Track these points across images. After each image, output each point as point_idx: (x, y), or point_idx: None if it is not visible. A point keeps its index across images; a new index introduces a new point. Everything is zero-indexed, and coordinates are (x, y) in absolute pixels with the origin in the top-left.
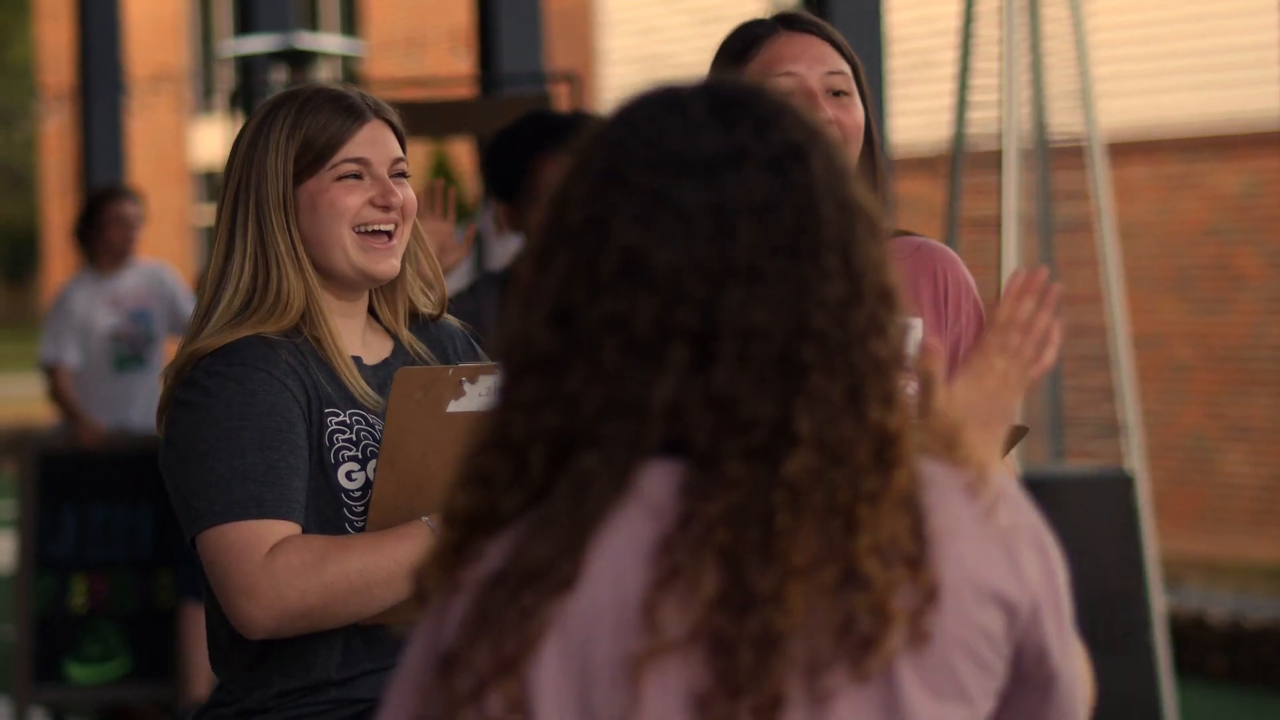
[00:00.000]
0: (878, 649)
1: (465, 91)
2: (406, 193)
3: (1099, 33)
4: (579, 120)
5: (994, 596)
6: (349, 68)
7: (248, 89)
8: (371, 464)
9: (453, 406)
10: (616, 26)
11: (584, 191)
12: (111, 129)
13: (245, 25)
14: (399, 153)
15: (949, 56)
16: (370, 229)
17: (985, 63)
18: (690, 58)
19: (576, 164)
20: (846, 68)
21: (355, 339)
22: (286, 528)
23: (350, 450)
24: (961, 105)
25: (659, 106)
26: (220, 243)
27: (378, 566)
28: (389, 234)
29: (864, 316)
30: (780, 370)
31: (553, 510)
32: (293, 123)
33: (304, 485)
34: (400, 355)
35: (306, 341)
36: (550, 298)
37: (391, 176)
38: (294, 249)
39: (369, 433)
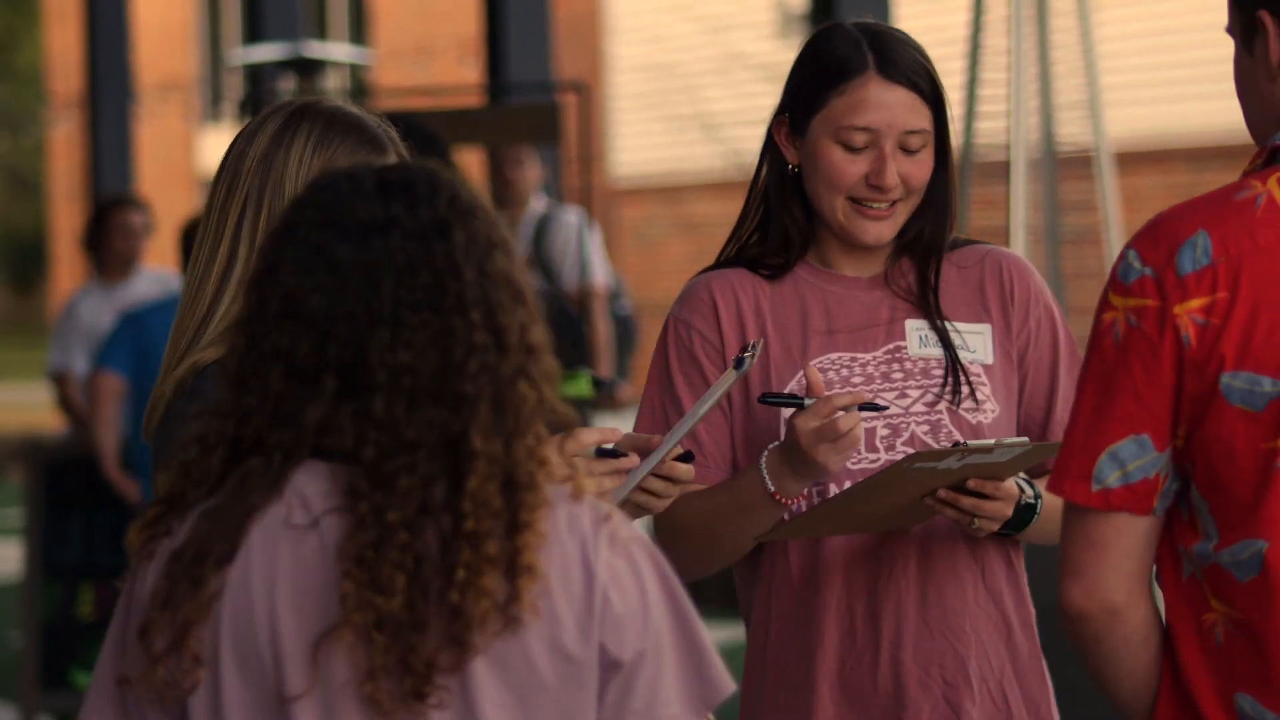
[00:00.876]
0: (519, 622)
1: (473, 101)
2: None
3: (1107, 42)
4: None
5: (571, 593)
6: (357, 76)
7: (256, 97)
8: None
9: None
10: (625, 34)
11: (268, 244)
12: (120, 136)
13: (254, 34)
14: None
15: (957, 66)
16: None
17: (993, 73)
18: (698, 65)
19: (275, 222)
20: (927, 121)
21: None
22: None
23: None
24: (969, 115)
25: (341, 179)
26: (221, 247)
27: None
28: None
29: (510, 364)
30: (438, 402)
31: (222, 500)
32: (316, 142)
33: None
34: None
35: None
36: (242, 329)
37: None
38: None
39: None
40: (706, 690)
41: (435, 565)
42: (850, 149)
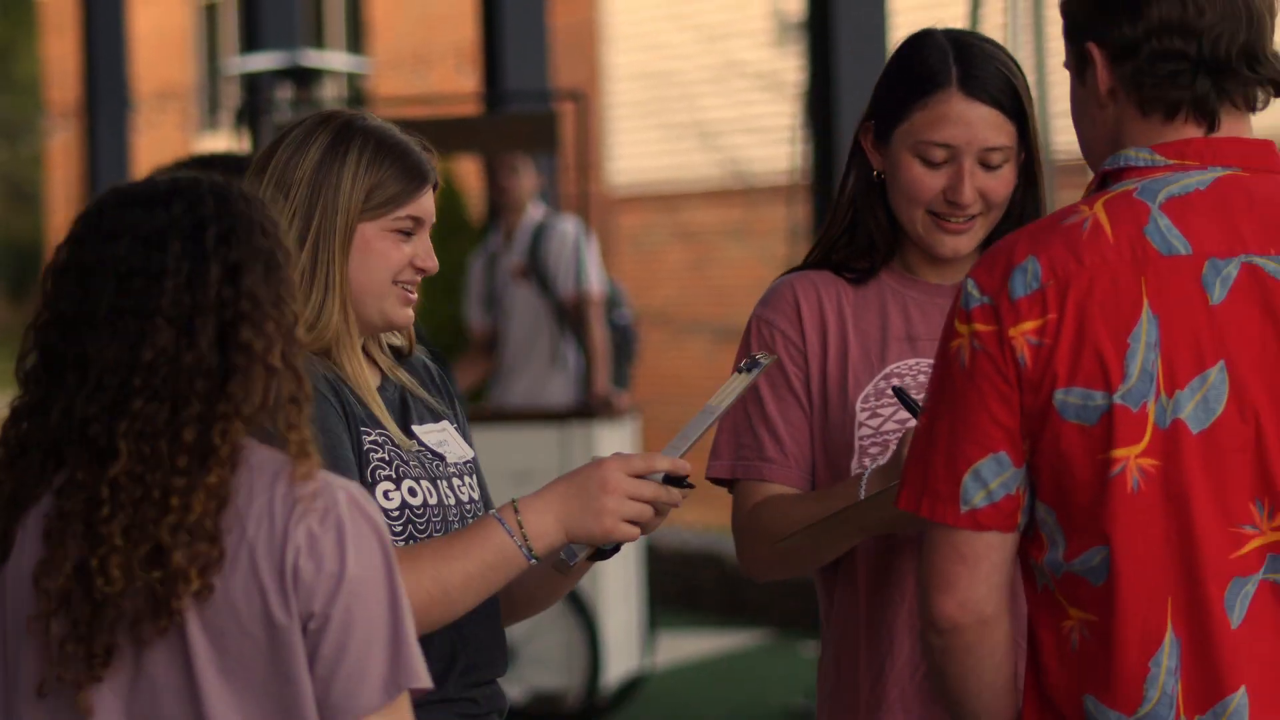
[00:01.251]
0: (176, 602)
1: (471, 109)
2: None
3: None
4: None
5: (272, 561)
6: (355, 85)
7: (253, 106)
8: (405, 484)
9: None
10: (622, 42)
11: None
12: (117, 145)
13: (251, 42)
14: (433, 218)
15: None
16: (405, 284)
17: None
18: (695, 74)
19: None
20: (1009, 138)
21: None
22: None
23: (385, 469)
24: None
25: (117, 190)
26: None
27: (451, 572)
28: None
29: (192, 359)
30: (117, 396)
31: (4, 498)
32: (369, 161)
33: None
34: (389, 385)
35: (330, 366)
36: (27, 337)
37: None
38: (342, 283)
39: (396, 453)
40: (401, 674)
41: (86, 551)
42: (929, 163)
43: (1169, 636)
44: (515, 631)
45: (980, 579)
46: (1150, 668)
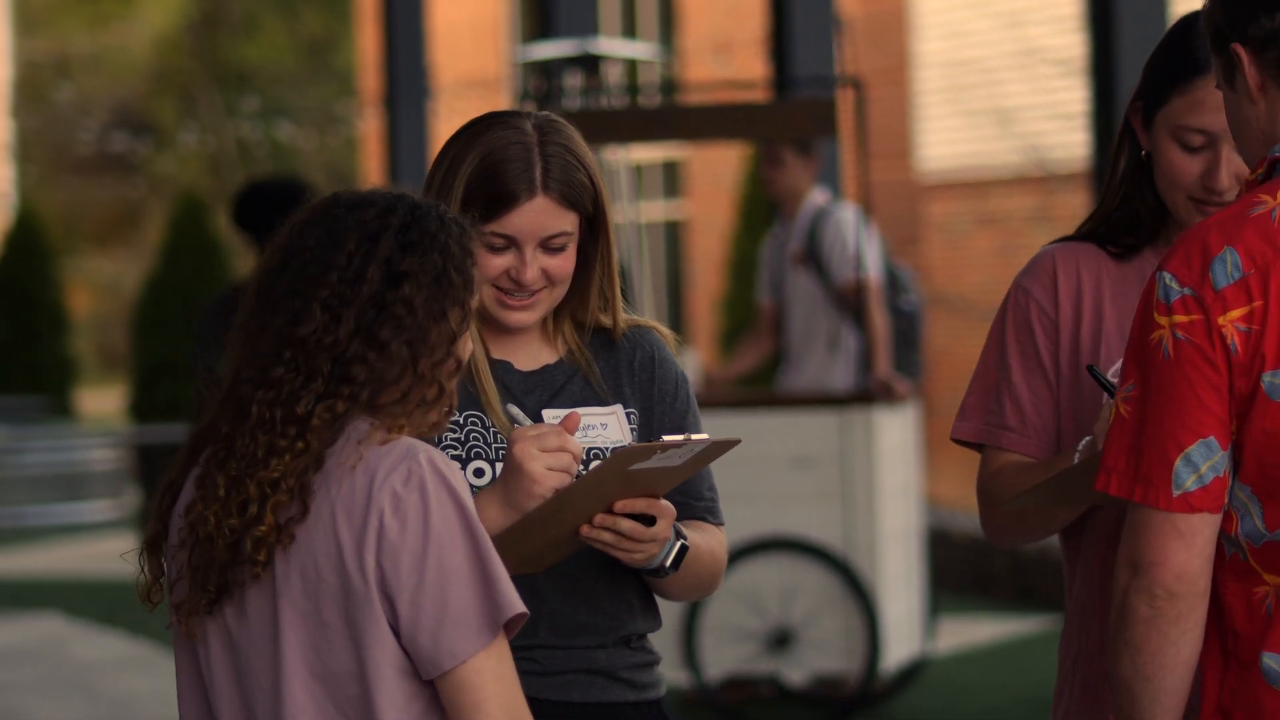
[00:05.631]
0: (259, 552)
1: (762, 95)
2: (553, 262)
3: None
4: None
5: (350, 517)
6: (663, 72)
7: (543, 93)
8: (473, 465)
9: (635, 466)
10: (928, 30)
11: None
12: (417, 132)
13: (548, 31)
14: (554, 229)
15: None
16: (506, 290)
17: None
18: (998, 61)
19: None
20: None
21: (514, 346)
22: None
23: (455, 450)
24: None
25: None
26: None
27: None
28: (527, 294)
29: (330, 341)
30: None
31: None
32: (470, 174)
33: None
34: (561, 366)
35: None
36: None
37: (543, 247)
38: None
39: (480, 434)
40: (495, 610)
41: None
42: (1187, 148)
43: None
44: (795, 616)
45: (1195, 553)
46: None
